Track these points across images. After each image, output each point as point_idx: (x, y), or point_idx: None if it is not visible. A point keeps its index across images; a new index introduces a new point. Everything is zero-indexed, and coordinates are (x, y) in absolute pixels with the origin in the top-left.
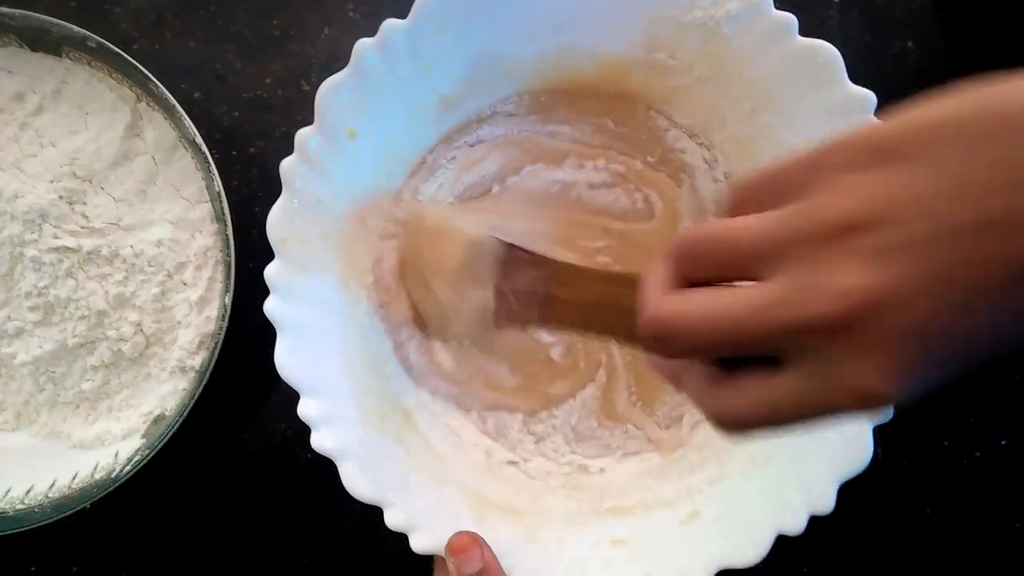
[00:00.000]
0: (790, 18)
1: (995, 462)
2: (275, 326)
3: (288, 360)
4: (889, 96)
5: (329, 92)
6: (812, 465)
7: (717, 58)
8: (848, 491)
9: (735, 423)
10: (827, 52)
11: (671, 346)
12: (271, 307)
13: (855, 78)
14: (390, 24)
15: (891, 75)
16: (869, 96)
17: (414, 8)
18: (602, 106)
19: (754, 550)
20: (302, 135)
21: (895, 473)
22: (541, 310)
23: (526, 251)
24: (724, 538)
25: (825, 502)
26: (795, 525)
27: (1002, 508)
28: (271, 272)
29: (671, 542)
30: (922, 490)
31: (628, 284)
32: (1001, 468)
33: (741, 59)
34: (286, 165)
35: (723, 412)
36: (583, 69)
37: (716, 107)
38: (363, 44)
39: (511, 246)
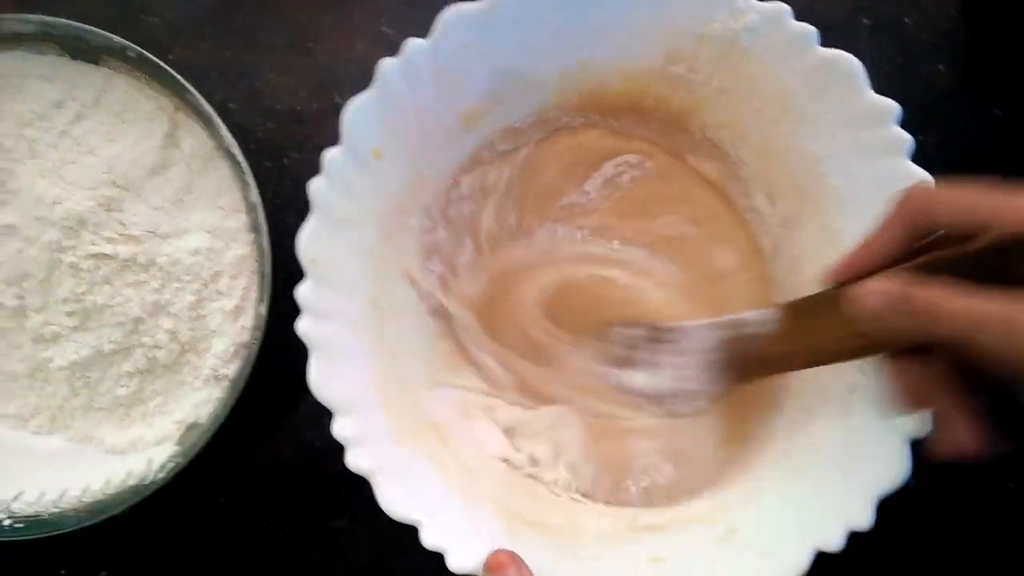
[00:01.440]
0: (810, 29)
1: None
2: (308, 346)
3: (322, 380)
4: (921, 118)
5: (354, 113)
6: (848, 480)
7: (736, 70)
8: (877, 524)
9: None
10: (848, 62)
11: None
12: (303, 327)
13: None
14: (413, 44)
15: (922, 97)
16: (892, 105)
17: (436, 27)
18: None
19: (794, 568)
20: (328, 156)
21: (927, 503)
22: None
23: None
24: (763, 555)
25: (864, 517)
26: (834, 542)
27: None
28: (302, 293)
29: (710, 560)
30: (955, 521)
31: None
32: None
33: (760, 70)
34: (314, 186)
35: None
36: (605, 83)
37: (737, 119)
38: (386, 64)
39: None
